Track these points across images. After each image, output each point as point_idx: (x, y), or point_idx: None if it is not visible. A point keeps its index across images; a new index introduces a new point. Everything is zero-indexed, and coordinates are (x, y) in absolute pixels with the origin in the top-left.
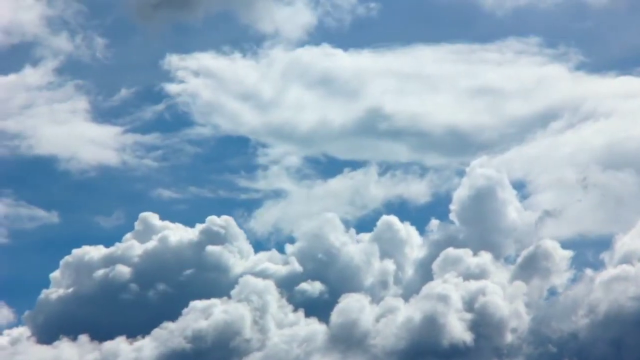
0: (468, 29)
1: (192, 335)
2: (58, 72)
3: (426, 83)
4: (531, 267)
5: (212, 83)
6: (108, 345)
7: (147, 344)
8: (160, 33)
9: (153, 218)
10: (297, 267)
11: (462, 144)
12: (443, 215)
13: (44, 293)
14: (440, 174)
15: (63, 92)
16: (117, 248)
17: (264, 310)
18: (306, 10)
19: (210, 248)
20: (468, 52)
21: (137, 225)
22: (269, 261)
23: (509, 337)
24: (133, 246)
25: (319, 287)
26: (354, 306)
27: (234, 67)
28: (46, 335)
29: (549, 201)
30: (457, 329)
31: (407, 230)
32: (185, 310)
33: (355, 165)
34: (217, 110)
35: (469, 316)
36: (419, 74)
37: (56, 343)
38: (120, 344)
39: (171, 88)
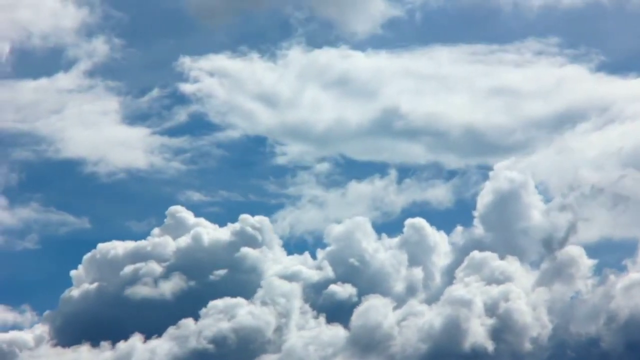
0: (487, 29)
1: (211, 336)
2: (89, 74)
3: (443, 83)
4: (555, 273)
5: (229, 83)
6: (123, 345)
7: (162, 344)
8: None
9: (183, 212)
10: (329, 271)
11: (480, 145)
12: (466, 220)
13: (66, 292)
14: (461, 176)
15: (93, 94)
16: (148, 243)
17: (286, 314)
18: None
19: (244, 248)
20: (486, 52)
21: (167, 219)
22: (302, 264)
23: (530, 343)
24: (164, 242)
25: (350, 290)
26: (375, 309)
27: (251, 67)
28: (66, 337)
29: (573, 205)
30: (478, 334)
31: (434, 234)
32: (204, 311)
33: (373, 167)
34: (235, 110)
35: (490, 321)
36: (436, 75)
37: (75, 346)
38: (135, 342)
39: (190, 88)
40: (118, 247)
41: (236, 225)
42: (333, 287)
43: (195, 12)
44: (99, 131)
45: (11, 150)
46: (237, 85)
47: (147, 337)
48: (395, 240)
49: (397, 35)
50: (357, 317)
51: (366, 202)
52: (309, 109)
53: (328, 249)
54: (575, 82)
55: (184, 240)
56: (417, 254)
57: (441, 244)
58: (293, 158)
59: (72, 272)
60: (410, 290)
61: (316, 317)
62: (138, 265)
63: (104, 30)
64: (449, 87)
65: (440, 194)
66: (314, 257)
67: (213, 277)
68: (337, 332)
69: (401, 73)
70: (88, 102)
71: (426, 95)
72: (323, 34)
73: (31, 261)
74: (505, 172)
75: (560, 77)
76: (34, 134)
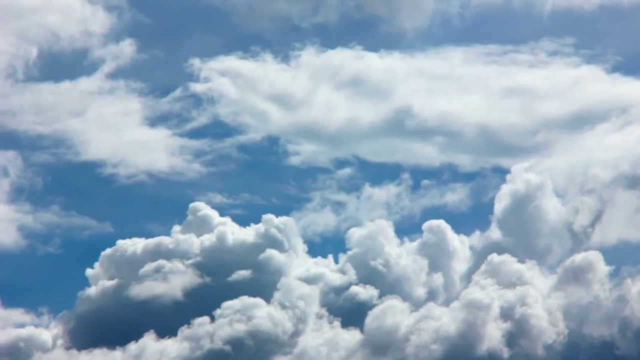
0: (501, 30)
1: (225, 336)
2: (112, 77)
3: (457, 84)
4: (572, 277)
5: (242, 83)
6: (135, 344)
7: (174, 344)
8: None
9: (205, 209)
10: (352, 275)
11: (494, 146)
12: (483, 223)
13: (83, 291)
14: (476, 178)
15: (115, 96)
16: (171, 240)
17: (303, 316)
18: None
19: (268, 249)
20: (500, 53)
21: (189, 216)
22: (325, 267)
23: (545, 349)
24: (188, 240)
25: (371, 292)
26: (391, 312)
27: (264, 69)
28: (80, 341)
29: (591, 207)
30: (493, 338)
31: (453, 237)
32: (218, 311)
33: (387, 169)
34: (250, 111)
35: (505, 325)
36: (449, 75)
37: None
38: (148, 342)
39: (207, 89)
40: (138, 244)
41: (260, 226)
42: (355, 289)
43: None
44: (120, 133)
45: (35, 153)
46: (249, 85)
47: (162, 336)
48: (415, 244)
49: (410, 36)
50: (372, 320)
51: (382, 205)
52: (322, 109)
53: (350, 252)
54: (591, 82)
55: (208, 239)
56: (437, 257)
57: (460, 247)
58: (307, 158)
59: (88, 271)
60: (431, 295)
61: (331, 322)
62: (160, 262)
63: (129, 33)
64: (462, 87)
65: (456, 196)
66: (335, 260)
67: (235, 276)
68: (351, 335)
69: (414, 73)
70: (110, 104)
71: (439, 95)
72: (336, 35)
73: (52, 265)
74: (523, 174)
75: (576, 78)
76: (56, 137)
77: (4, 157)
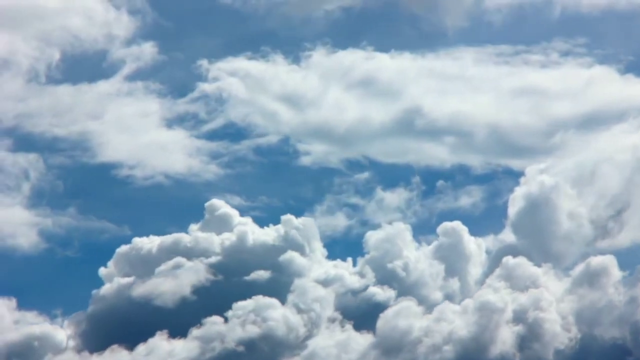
0: (512, 30)
1: (237, 336)
2: (130, 78)
3: (468, 84)
4: (586, 281)
5: (252, 83)
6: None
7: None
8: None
9: (223, 207)
10: (371, 277)
11: (504, 146)
12: (497, 225)
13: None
14: (489, 180)
15: (133, 98)
16: (190, 238)
17: (315, 318)
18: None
19: (288, 249)
20: (512, 53)
21: (206, 215)
22: (345, 270)
23: (557, 352)
24: (208, 239)
25: (388, 294)
26: (404, 313)
27: (274, 69)
28: (92, 341)
29: (605, 209)
30: (506, 341)
31: (469, 239)
32: (230, 313)
33: (399, 170)
34: (259, 112)
35: (518, 329)
36: (461, 76)
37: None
38: (161, 342)
39: (210, 88)
40: (154, 242)
41: (280, 227)
42: (373, 289)
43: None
44: (138, 135)
45: (54, 155)
46: (260, 86)
47: (173, 336)
48: (431, 247)
49: (421, 36)
50: (384, 322)
51: (395, 208)
52: (332, 109)
53: (368, 255)
54: (604, 83)
55: (228, 237)
56: (453, 260)
57: (476, 250)
58: (318, 159)
59: (102, 270)
60: (447, 298)
61: (344, 326)
62: (176, 260)
63: (150, 35)
64: (473, 87)
65: (469, 199)
66: (354, 263)
67: (253, 276)
68: (364, 338)
69: (425, 74)
70: (128, 106)
71: (450, 95)
72: (347, 35)
73: (69, 268)
74: (538, 176)
75: (589, 78)
76: (74, 139)
77: (25, 159)
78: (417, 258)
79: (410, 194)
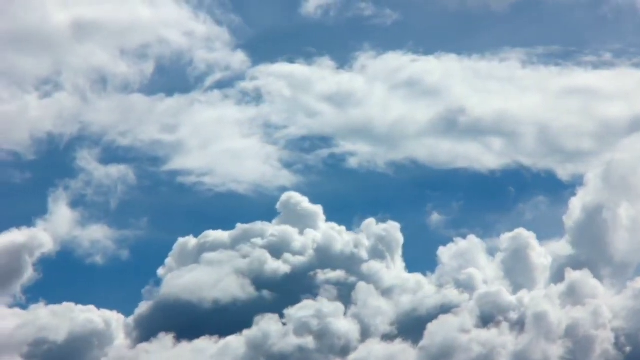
0: (563, 32)
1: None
2: (211, 88)
3: (516, 85)
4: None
5: (298, 84)
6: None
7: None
8: None
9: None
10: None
11: (553, 147)
12: (556, 233)
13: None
14: (543, 185)
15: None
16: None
17: (370, 327)
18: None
19: (369, 255)
20: (563, 54)
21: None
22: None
23: None
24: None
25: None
26: (447, 327)
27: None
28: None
29: None
30: (555, 356)
31: (535, 248)
32: (291, 311)
33: (447, 175)
34: (303, 111)
35: (567, 343)
36: (510, 77)
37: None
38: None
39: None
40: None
41: (362, 231)
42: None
43: None
44: (216, 143)
45: (141, 165)
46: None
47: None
48: (498, 258)
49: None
50: (430, 333)
51: (447, 219)
52: (377, 109)
53: (445, 269)
54: None
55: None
56: (519, 271)
57: (542, 259)
58: (361, 161)
59: (160, 270)
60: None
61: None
62: (242, 251)
63: (235, 45)
64: (522, 88)
65: (523, 206)
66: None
67: (323, 276)
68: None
69: (471, 75)
70: (207, 113)
71: (496, 96)
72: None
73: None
74: (596, 182)
75: None
76: (152, 149)
77: (117, 170)
78: (488, 270)
79: (463, 203)
